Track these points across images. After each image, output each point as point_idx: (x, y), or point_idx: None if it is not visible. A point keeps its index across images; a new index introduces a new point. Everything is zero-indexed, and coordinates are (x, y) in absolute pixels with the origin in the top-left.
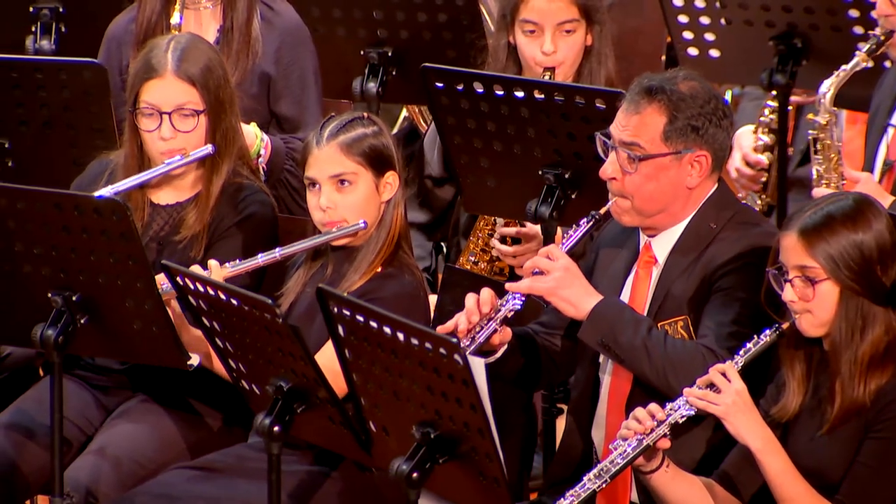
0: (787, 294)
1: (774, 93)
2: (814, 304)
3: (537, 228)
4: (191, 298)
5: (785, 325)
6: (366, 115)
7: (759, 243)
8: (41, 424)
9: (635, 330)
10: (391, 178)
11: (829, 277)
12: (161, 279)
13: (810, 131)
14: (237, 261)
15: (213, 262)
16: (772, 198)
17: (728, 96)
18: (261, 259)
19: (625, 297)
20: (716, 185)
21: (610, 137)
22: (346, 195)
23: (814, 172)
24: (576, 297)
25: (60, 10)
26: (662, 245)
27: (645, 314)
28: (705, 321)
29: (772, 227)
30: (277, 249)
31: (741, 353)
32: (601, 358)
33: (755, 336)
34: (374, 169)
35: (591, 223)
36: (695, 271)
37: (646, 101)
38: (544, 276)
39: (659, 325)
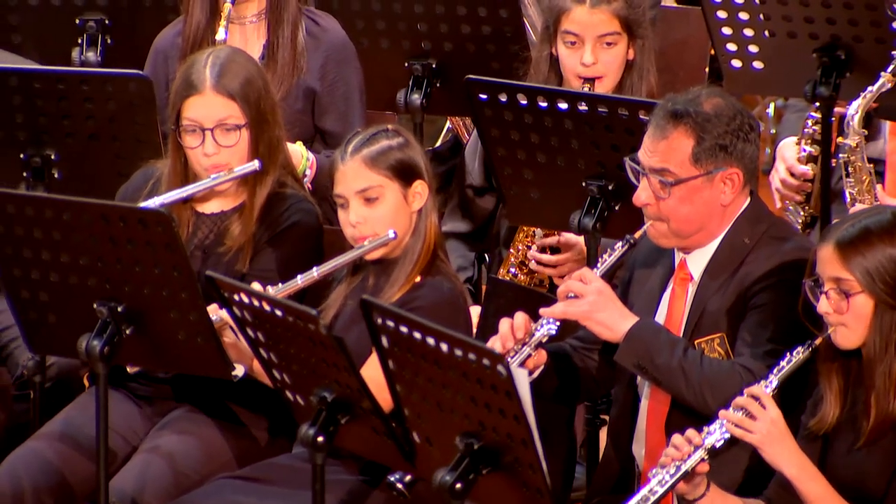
0: (822, 306)
1: (818, 105)
2: (848, 316)
3: (577, 238)
4: (235, 309)
5: (818, 341)
6: (390, 126)
7: (792, 258)
8: (87, 435)
9: (671, 351)
10: (420, 188)
11: (863, 290)
12: (213, 309)
13: (841, 154)
14: (279, 285)
15: (255, 286)
16: (815, 209)
17: (771, 108)
18: (300, 280)
19: (661, 314)
20: (748, 199)
21: (639, 163)
22: (375, 209)
23: (847, 195)
24: (611, 320)
25: (106, 22)
26: (697, 262)
27: (681, 332)
28: (741, 339)
29: (805, 241)
30: (315, 269)
31: (775, 371)
32: (638, 379)
33: (788, 353)
34: (401, 180)
35: (627, 248)
36: (730, 287)
37: (671, 126)
38: (578, 299)
39: (696, 342)
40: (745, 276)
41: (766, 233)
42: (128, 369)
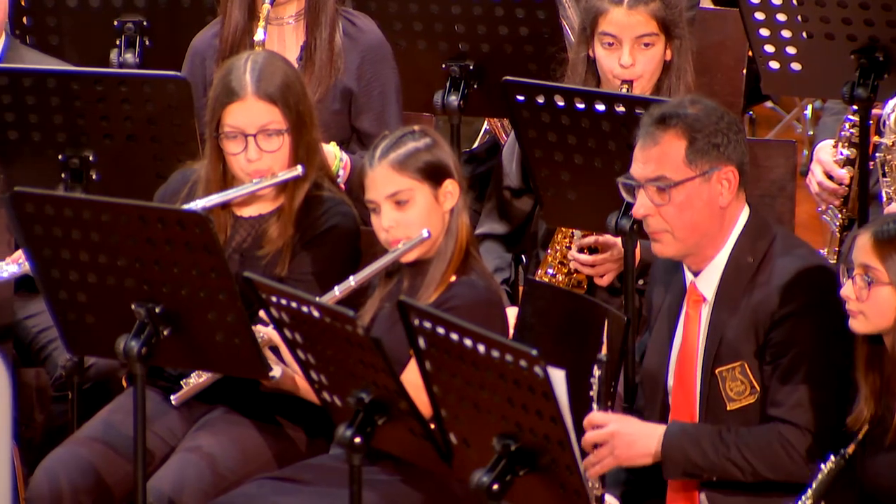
0: (846, 290)
1: (855, 107)
2: (867, 305)
3: (615, 238)
4: (273, 311)
5: (850, 449)
6: (417, 128)
7: (803, 276)
8: (125, 436)
9: (711, 448)
10: (450, 187)
11: (890, 283)
12: (259, 329)
13: (877, 154)
14: (316, 298)
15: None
16: (853, 212)
17: (809, 111)
18: (338, 291)
19: (677, 338)
20: (747, 212)
21: (632, 179)
22: (406, 212)
23: (883, 195)
24: (642, 448)
25: (145, 23)
26: (707, 282)
27: (699, 356)
28: (775, 388)
29: (810, 252)
30: (352, 277)
31: (807, 494)
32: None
33: (821, 466)
34: (431, 181)
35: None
36: (744, 314)
37: (660, 131)
38: (604, 452)
39: (717, 370)
40: (760, 306)
41: (769, 250)
42: (172, 400)
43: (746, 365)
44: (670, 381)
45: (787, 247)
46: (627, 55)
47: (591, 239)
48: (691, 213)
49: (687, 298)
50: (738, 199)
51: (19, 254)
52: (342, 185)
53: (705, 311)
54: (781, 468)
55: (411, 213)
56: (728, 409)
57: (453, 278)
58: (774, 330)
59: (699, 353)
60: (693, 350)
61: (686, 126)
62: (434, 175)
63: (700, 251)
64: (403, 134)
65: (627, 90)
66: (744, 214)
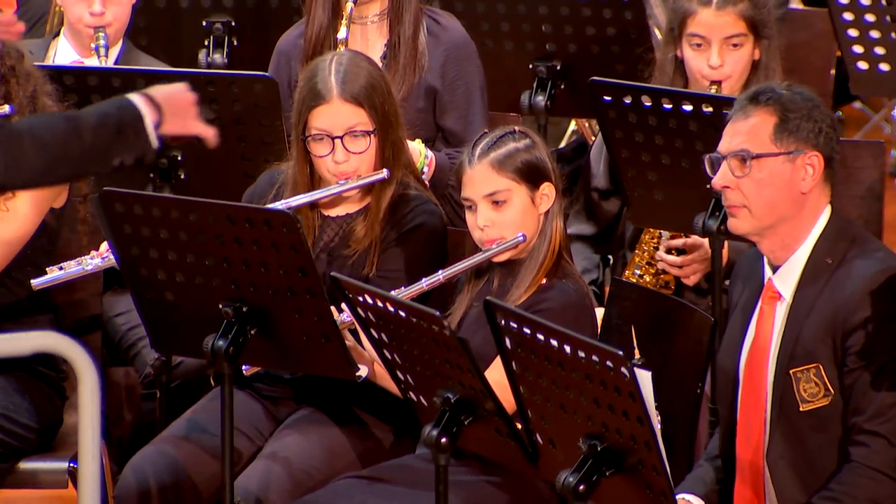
0: None
1: None
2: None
3: (703, 239)
4: (360, 310)
5: None
6: (517, 128)
7: (881, 278)
8: (212, 434)
9: None
10: (547, 190)
11: None
12: (334, 312)
13: None
14: (402, 288)
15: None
16: None
17: None
18: (425, 283)
19: (749, 334)
20: (829, 211)
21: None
22: (503, 212)
23: None
24: None
25: (233, 24)
26: (784, 281)
27: (773, 354)
28: (858, 398)
29: (889, 255)
30: (440, 272)
31: None
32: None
33: None
34: (529, 182)
35: None
36: (821, 316)
37: (752, 106)
38: None
39: (791, 371)
40: (837, 309)
41: (848, 251)
42: (244, 371)
43: (822, 367)
44: (741, 377)
45: (865, 249)
46: (716, 56)
47: (679, 241)
48: (770, 191)
49: (763, 294)
50: (822, 193)
51: (104, 247)
52: (427, 183)
53: (780, 309)
54: (880, 497)
55: (507, 214)
56: (801, 409)
57: (544, 281)
58: (852, 335)
59: (772, 351)
60: (765, 347)
61: (779, 104)
62: (532, 177)
63: (777, 236)
64: (504, 133)
65: (717, 90)
66: (826, 213)
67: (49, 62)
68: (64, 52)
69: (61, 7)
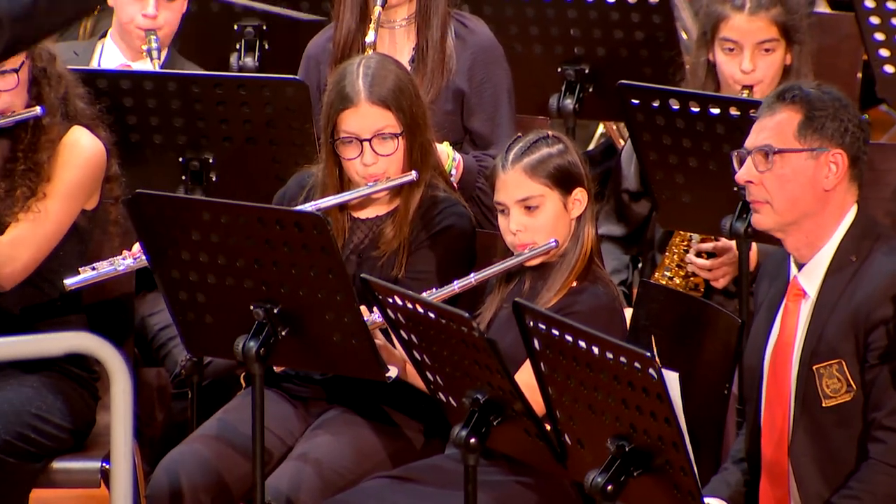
0: None
1: None
2: None
3: (732, 242)
4: (389, 312)
5: None
6: (550, 133)
7: None
8: (243, 434)
9: None
10: (580, 195)
11: None
12: (364, 311)
13: None
14: (433, 290)
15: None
16: None
17: None
18: (456, 286)
19: (774, 331)
20: (855, 210)
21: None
22: (535, 217)
23: None
24: None
25: (264, 27)
26: (809, 278)
27: (797, 350)
28: (878, 394)
29: None
30: (472, 274)
31: None
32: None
33: None
34: (561, 188)
35: None
36: (844, 313)
37: (779, 103)
38: None
39: (814, 367)
40: (860, 306)
41: (872, 249)
42: (274, 368)
43: (844, 363)
44: (765, 374)
45: (890, 247)
46: (748, 61)
47: (709, 244)
48: (793, 187)
49: (788, 292)
50: (847, 192)
51: (136, 248)
52: (454, 185)
53: (805, 307)
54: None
55: (540, 219)
56: (823, 405)
57: (574, 284)
58: (874, 332)
59: (796, 348)
60: (789, 344)
61: (805, 102)
62: (565, 182)
63: (801, 233)
64: (537, 138)
65: (748, 95)
66: (852, 211)
67: (95, 63)
68: (110, 54)
69: (112, 6)
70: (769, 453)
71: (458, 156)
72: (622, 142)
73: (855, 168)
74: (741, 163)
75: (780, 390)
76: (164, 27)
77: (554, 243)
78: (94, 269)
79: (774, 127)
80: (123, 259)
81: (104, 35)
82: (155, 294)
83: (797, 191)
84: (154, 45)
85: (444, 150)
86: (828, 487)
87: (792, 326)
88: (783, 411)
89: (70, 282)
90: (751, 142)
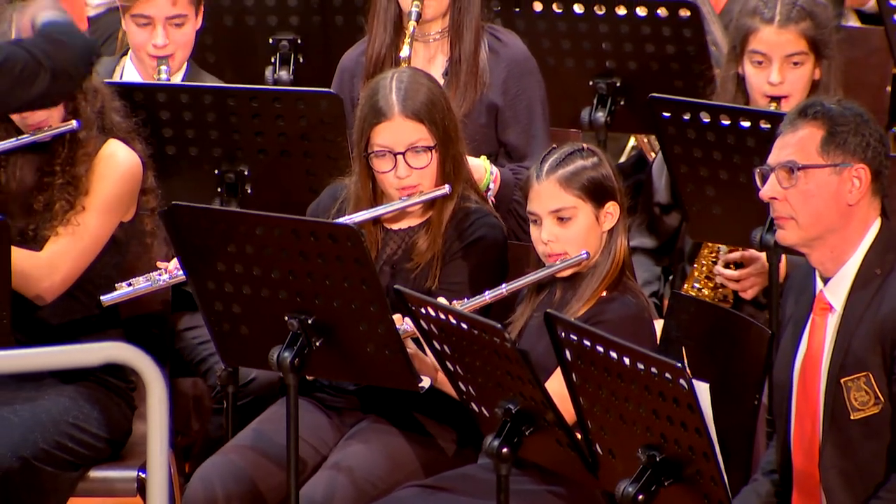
0: None
1: None
2: None
3: (760, 253)
4: (422, 322)
5: None
6: (585, 146)
7: None
8: (278, 444)
9: None
10: (612, 209)
11: None
12: (397, 320)
13: None
14: (465, 300)
15: (441, 301)
16: None
17: None
18: (488, 296)
19: (802, 346)
20: (879, 223)
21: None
22: (567, 228)
23: None
24: None
25: (299, 41)
26: (835, 292)
27: (825, 364)
28: None
29: None
30: (504, 285)
31: None
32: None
33: None
34: (594, 201)
35: None
36: (870, 326)
37: (801, 120)
38: None
39: (842, 380)
40: (886, 318)
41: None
42: (306, 377)
43: (871, 376)
44: (794, 388)
45: None
46: (776, 73)
47: (736, 254)
48: (816, 203)
49: (815, 306)
50: (870, 206)
51: (173, 264)
52: (492, 199)
53: (832, 321)
54: None
55: (572, 231)
56: (852, 418)
57: (604, 294)
58: None
59: (824, 362)
60: (817, 358)
61: (828, 118)
62: (598, 195)
63: (826, 248)
64: (572, 150)
65: (776, 108)
66: (876, 225)
67: (116, 80)
68: (130, 73)
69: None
70: (801, 467)
71: (495, 169)
72: (653, 154)
73: (877, 182)
74: (764, 179)
75: (810, 404)
76: (176, 52)
77: (585, 255)
78: (129, 284)
79: (797, 143)
80: (160, 275)
81: (125, 54)
82: (194, 312)
83: (821, 206)
84: (164, 75)
85: (482, 164)
86: (856, 500)
87: (819, 340)
88: (813, 425)
89: (106, 298)
90: (774, 158)
